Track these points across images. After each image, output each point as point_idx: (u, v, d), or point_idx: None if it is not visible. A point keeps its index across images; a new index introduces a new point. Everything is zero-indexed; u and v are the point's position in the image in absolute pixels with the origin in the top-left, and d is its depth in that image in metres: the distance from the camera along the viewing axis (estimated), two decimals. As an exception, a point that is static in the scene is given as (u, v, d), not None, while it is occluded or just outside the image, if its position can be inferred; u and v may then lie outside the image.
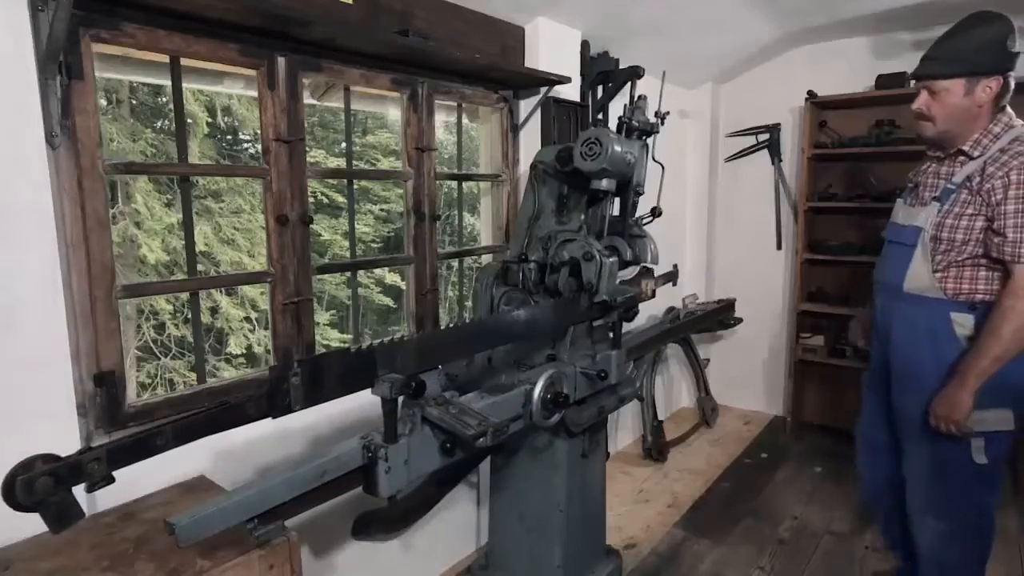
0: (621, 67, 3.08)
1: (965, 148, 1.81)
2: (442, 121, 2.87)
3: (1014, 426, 1.84)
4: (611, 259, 1.96)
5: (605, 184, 1.95)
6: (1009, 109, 1.82)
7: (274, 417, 1.17)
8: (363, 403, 2.21)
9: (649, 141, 2.14)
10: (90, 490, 1.00)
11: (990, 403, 1.81)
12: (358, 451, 1.29)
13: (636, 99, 2.17)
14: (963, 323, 1.85)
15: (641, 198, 2.15)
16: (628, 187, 2.03)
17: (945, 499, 1.98)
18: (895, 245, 2.00)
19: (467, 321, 1.59)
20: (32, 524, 1.33)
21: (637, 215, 2.16)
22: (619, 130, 2.07)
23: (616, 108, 2.17)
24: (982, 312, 1.83)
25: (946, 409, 1.82)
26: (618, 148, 1.90)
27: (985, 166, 1.76)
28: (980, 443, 1.84)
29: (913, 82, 1.88)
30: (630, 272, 2.14)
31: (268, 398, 1.16)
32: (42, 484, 0.93)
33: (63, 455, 0.97)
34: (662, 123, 2.14)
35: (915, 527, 2.07)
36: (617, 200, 2.12)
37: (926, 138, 1.91)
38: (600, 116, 3.17)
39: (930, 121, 1.84)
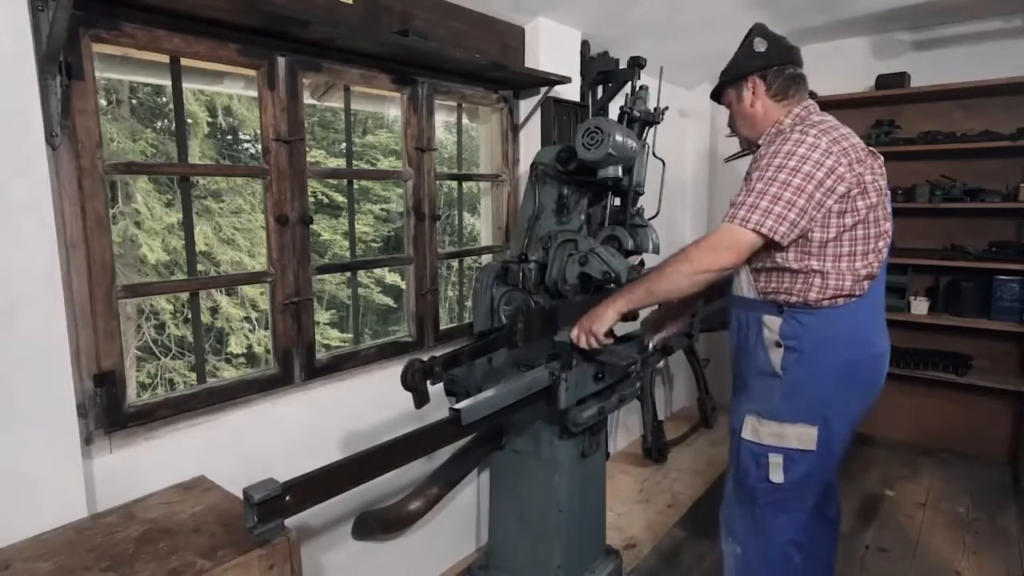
0: (621, 67, 3.08)
1: (758, 145, 1.76)
2: (442, 121, 2.86)
3: (815, 447, 1.65)
4: (608, 247, 1.98)
5: (612, 171, 1.94)
6: (806, 103, 1.75)
7: (509, 348, 1.87)
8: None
9: (649, 137, 2.14)
10: (434, 383, 1.62)
11: (792, 416, 1.67)
12: (546, 376, 1.80)
13: (638, 89, 2.17)
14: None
15: (641, 198, 2.16)
16: (630, 175, 2.03)
17: (740, 522, 1.82)
18: None
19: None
20: (32, 524, 1.34)
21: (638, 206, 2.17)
22: (620, 120, 2.07)
23: (616, 108, 2.17)
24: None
25: (590, 320, 1.73)
26: (619, 134, 1.90)
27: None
28: (778, 459, 1.68)
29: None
30: (632, 261, 2.15)
31: (507, 336, 1.80)
32: (413, 375, 1.59)
33: (426, 359, 1.62)
34: (662, 116, 2.14)
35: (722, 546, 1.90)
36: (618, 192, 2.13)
37: (744, 149, 1.92)
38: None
39: (736, 135, 1.88)
